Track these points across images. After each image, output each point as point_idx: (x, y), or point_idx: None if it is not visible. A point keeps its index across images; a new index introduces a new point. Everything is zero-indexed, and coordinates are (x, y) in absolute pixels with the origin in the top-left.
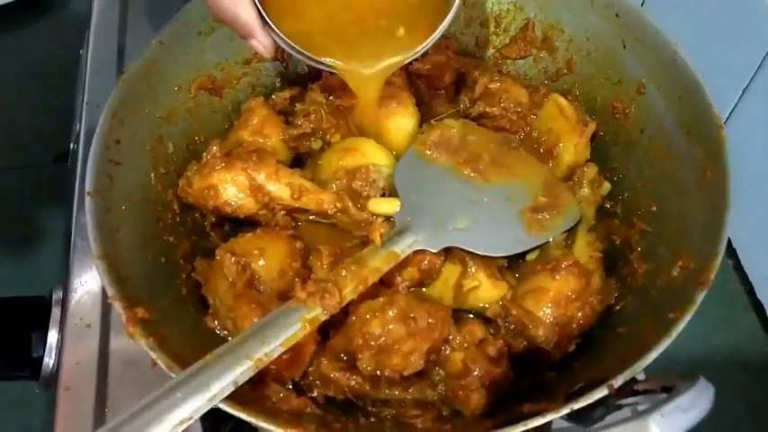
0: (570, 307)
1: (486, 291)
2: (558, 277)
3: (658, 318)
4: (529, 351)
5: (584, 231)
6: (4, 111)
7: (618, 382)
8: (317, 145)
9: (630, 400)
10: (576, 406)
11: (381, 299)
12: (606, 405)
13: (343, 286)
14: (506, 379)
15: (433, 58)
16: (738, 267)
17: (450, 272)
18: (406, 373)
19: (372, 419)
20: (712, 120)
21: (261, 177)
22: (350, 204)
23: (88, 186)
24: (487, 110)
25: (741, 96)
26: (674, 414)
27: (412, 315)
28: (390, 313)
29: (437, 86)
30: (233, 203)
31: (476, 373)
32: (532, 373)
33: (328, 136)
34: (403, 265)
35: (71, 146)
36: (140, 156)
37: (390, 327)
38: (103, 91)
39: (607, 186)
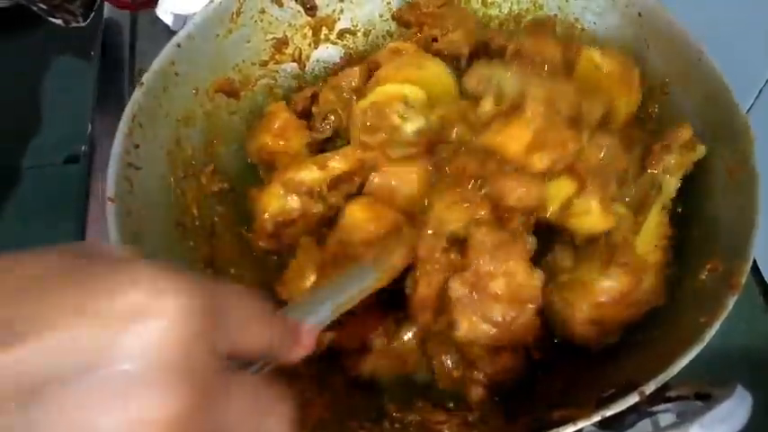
0: (615, 308)
1: (594, 219)
2: (608, 274)
3: (688, 322)
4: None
5: (658, 208)
6: (14, 110)
7: (650, 388)
8: (343, 144)
9: (662, 406)
10: (608, 413)
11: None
12: (638, 412)
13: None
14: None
15: (451, 36)
16: (755, 268)
17: (564, 187)
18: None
19: (397, 425)
20: (739, 120)
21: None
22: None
23: (109, 192)
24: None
25: (758, 96)
26: (713, 425)
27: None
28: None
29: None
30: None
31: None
32: (562, 374)
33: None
34: None
35: (82, 147)
36: (159, 159)
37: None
38: (114, 92)
39: (701, 149)
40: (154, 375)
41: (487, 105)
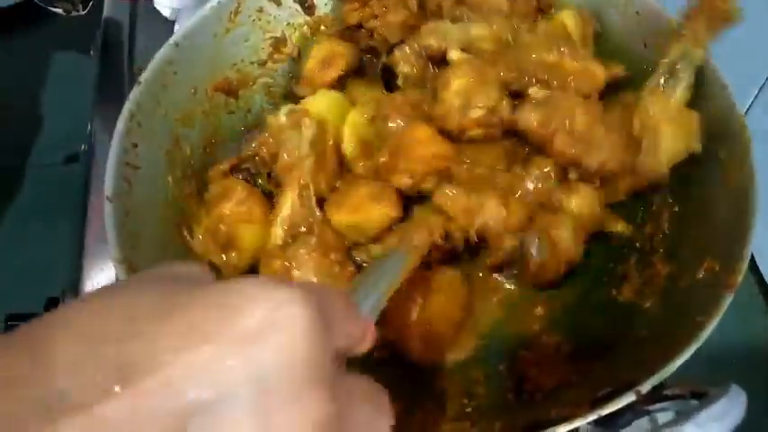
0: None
1: None
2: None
3: (684, 321)
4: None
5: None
6: (14, 110)
7: (646, 387)
8: None
9: (658, 405)
10: (604, 411)
11: None
12: (633, 411)
13: None
14: None
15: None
16: (754, 267)
17: None
18: None
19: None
20: (736, 120)
21: None
22: None
23: (107, 191)
24: (470, 15)
25: (756, 95)
26: (708, 423)
27: None
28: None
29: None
30: None
31: None
32: (558, 372)
33: None
34: None
35: (82, 146)
36: (157, 159)
37: None
38: (114, 91)
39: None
40: (293, 390)
41: (455, 54)
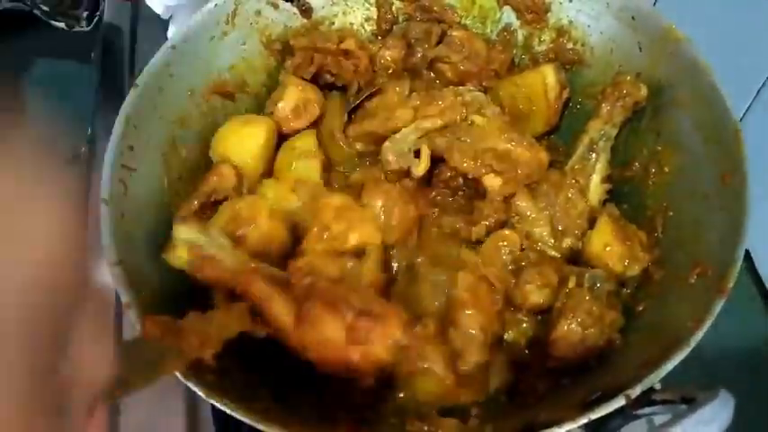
0: None
1: None
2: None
3: (675, 326)
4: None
5: (605, 159)
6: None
7: (635, 391)
8: None
9: (648, 410)
10: (594, 416)
11: None
12: (623, 415)
13: None
14: None
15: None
16: (752, 269)
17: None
18: None
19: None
20: (731, 124)
21: None
22: None
23: (103, 193)
24: (451, 55)
25: (755, 97)
26: (695, 428)
27: None
28: None
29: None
30: None
31: None
32: (548, 376)
33: None
34: None
35: (82, 148)
36: (154, 161)
37: None
38: (114, 93)
39: (644, 92)
40: None
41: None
